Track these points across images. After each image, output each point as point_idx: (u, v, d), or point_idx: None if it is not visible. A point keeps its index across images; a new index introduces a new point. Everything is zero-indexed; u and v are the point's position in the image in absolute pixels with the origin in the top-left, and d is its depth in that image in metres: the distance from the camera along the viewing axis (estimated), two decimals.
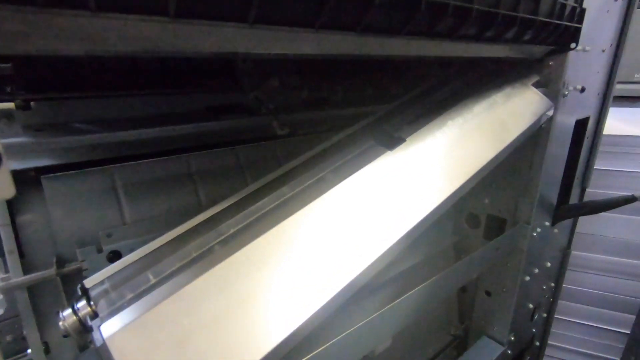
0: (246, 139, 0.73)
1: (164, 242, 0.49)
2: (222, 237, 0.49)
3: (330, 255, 0.50)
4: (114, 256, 0.53)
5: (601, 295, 1.59)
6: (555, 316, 1.47)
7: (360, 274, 0.50)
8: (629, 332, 1.57)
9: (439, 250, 1.07)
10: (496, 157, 0.69)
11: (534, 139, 0.88)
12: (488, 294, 1.08)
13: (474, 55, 0.60)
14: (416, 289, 0.73)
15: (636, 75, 3.06)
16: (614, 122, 1.70)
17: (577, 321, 1.66)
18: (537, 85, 0.83)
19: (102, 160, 0.57)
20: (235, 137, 0.72)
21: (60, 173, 0.53)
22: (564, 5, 0.67)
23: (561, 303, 1.60)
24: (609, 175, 1.46)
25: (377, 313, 0.66)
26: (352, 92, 0.98)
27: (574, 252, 1.49)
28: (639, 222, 1.46)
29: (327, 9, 0.35)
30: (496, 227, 1.02)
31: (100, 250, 0.53)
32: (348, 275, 0.49)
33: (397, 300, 0.71)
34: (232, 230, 0.50)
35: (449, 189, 0.62)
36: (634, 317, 1.55)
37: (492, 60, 0.80)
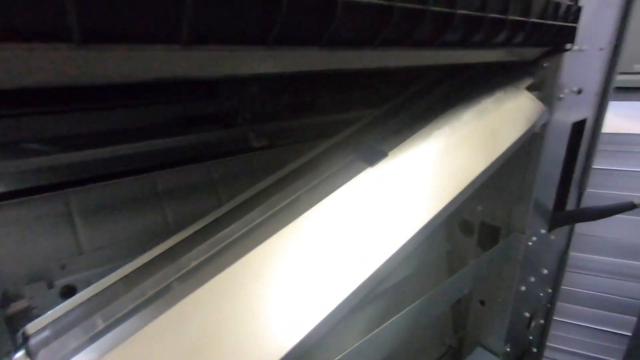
0: (220, 152, 0.68)
1: (118, 278, 0.44)
2: (182, 272, 0.44)
3: (302, 287, 0.45)
4: (68, 291, 0.49)
5: (601, 297, 1.56)
6: (554, 318, 1.44)
7: (337, 307, 0.46)
8: (629, 334, 1.54)
9: (431, 259, 1.03)
10: (487, 169, 0.64)
11: (528, 144, 0.83)
12: (482, 303, 1.04)
13: (460, 61, 0.56)
14: (406, 309, 0.69)
15: (635, 66, 3.00)
16: (613, 118, 1.65)
17: (577, 323, 1.63)
18: (531, 88, 0.78)
19: (56, 184, 0.52)
20: (208, 152, 0.67)
21: (5, 202, 0.48)
22: (558, 4, 0.62)
23: (560, 305, 1.57)
24: (607, 174, 1.42)
25: (365, 338, 0.62)
26: (337, 95, 0.93)
27: (573, 254, 1.45)
28: (637, 223, 1.42)
29: (280, 21, 0.30)
30: (490, 235, 0.98)
31: (51, 286, 0.48)
32: (323, 309, 0.45)
33: (387, 323, 0.67)
34: (193, 264, 0.45)
35: (436, 207, 0.57)
36: (634, 319, 1.51)
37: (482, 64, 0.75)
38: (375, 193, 0.54)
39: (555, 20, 0.63)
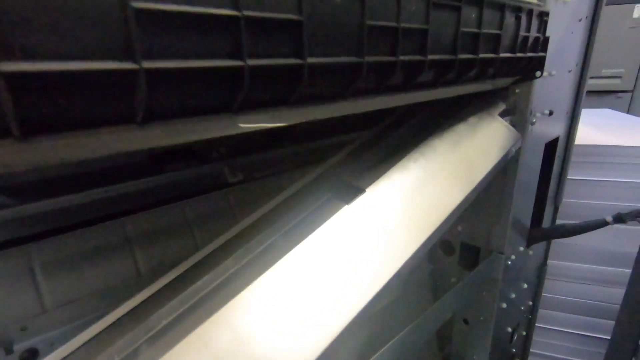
0: (194, 191, 0.66)
1: (82, 342, 0.42)
2: (152, 333, 0.42)
3: (280, 342, 0.44)
4: (29, 356, 0.46)
5: (581, 303, 1.60)
6: (535, 324, 1.46)
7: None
8: (609, 337, 1.58)
9: (414, 281, 1.03)
10: (465, 199, 0.64)
11: (504, 167, 0.84)
12: (466, 322, 1.05)
13: (432, 98, 0.56)
14: (394, 340, 0.69)
15: (603, 71, 3.13)
16: (582, 129, 1.70)
17: (558, 329, 1.66)
18: (504, 113, 0.80)
19: (16, 239, 0.49)
20: (181, 191, 0.65)
21: None
22: (526, 38, 0.63)
23: (542, 311, 1.60)
24: (578, 185, 1.46)
25: None
26: (315, 122, 0.92)
27: (552, 262, 1.49)
28: (613, 231, 1.46)
29: (243, 93, 0.29)
30: (470, 255, 0.99)
31: (10, 351, 0.45)
32: None
33: (375, 355, 0.67)
34: (163, 323, 0.43)
35: (417, 242, 0.57)
36: (613, 322, 1.55)
37: None
38: (354, 232, 0.53)
39: (524, 52, 0.65)
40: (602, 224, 0.88)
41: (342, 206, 0.56)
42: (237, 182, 0.70)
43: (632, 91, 3.05)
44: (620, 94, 3.14)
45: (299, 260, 0.49)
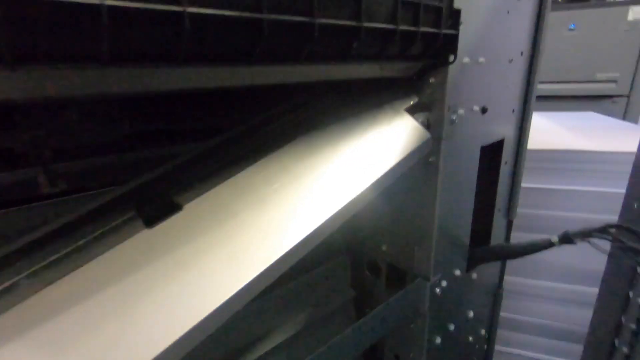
0: None
1: None
2: None
3: None
4: None
5: (546, 324, 1.43)
6: (496, 347, 1.30)
7: None
8: None
9: (332, 309, 0.87)
10: (335, 217, 0.48)
11: (424, 175, 0.69)
12: (397, 358, 0.89)
13: (262, 82, 0.40)
14: None
15: (598, 75, 2.98)
16: (564, 133, 1.55)
17: (521, 352, 1.50)
18: (417, 108, 0.65)
19: None
20: None
21: None
22: (415, 5, 0.48)
23: (504, 333, 1.44)
24: (546, 194, 1.30)
25: None
26: (208, 120, 0.77)
27: (513, 279, 1.34)
28: (583, 247, 1.30)
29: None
30: (397, 278, 0.83)
31: None
32: None
33: None
34: None
35: (250, 274, 0.42)
36: (582, 346, 1.39)
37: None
38: (143, 273, 0.38)
39: (416, 26, 0.49)
40: (548, 244, 0.72)
41: (140, 230, 0.40)
42: (56, 194, 0.55)
43: (628, 96, 2.90)
44: (615, 99, 2.99)
45: (40, 315, 0.34)
